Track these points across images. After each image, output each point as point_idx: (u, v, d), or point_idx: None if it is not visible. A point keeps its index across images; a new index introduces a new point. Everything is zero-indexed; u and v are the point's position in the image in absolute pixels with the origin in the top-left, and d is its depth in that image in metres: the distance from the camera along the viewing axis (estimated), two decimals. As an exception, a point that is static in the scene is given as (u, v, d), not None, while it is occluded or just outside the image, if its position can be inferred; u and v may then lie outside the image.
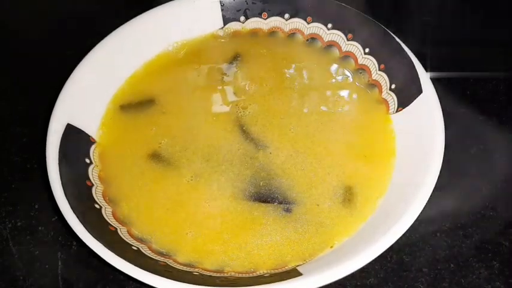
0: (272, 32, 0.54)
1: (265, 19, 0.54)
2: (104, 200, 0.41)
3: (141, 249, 0.38)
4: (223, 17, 0.54)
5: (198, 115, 0.48)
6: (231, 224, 0.41)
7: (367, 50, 0.50)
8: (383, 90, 0.48)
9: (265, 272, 0.38)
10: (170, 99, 0.49)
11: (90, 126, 0.46)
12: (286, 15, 0.53)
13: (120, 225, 0.40)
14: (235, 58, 0.52)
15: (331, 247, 0.40)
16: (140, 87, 0.50)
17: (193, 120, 0.47)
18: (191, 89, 0.50)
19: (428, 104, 0.43)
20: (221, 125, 0.47)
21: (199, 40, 0.53)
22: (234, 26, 0.54)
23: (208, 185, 0.43)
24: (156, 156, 0.45)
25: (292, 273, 0.36)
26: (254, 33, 0.54)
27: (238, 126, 0.47)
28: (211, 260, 0.39)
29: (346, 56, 0.51)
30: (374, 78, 0.49)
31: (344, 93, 0.49)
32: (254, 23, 0.54)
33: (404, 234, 0.35)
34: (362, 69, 0.50)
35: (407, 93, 0.45)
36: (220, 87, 0.50)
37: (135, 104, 0.48)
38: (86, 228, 0.36)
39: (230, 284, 0.36)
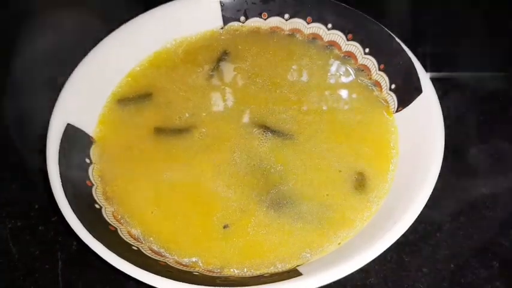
0: (272, 32, 0.54)
1: (265, 19, 0.54)
2: (104, 199, 0.41)
3: (141, 249, 0.38)
4: (223, 16, 0.54)
5: (197, 110, 0.48)
6: (233, 223, 0.40)
7: (367, 50, 0.50)
8: (383, 90, 0.48)
9: (265, 272, 0.38)
10: (168, 94, 0.49)
11: (90, 126, 0.46)
12: (286, 15, 0.53)
13: (120, 225, 0.40)
14: (235, 55, 0.52)
15: (339, 244, 0.39)
16: (138, 83, 0.50)
17: (191, 114, 0.47)
18: (189, 84, 0.50)
19: (428, 104, 0.43)
20: (222, 120, 0.47)
21: (198, 39, 0.54)
22: (234, 25, 0.54)
23: (208, 180, 0.43)
24: (154, 152, 0.45)
25: (292, 273, 0.36)
26: (254, 32, 0.54)
27: (239, 122, 0.47)
28: (212, 258, 0.39)
29: (346, 56, 0.51)
30: (374, 78, 0.49)
31: (345, 91, 0.49)
32: (254, 23, 0.54)
33: (404, 234, 0.35)
34: (362, 69, 0.50)
35: (407, 93, 0.45)
36: (220, 83, 0.50)
37: (132, 98, 0.48)
38: (86, 228, 0.36)
39: (230, 284, 0.36)
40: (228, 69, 0.51)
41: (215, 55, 0.52)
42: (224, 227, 0.40)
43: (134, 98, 0.49)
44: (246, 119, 0.47)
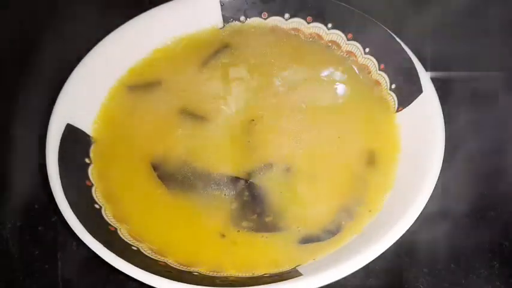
0: (272, 31, 0.54)
1: (265, 19, 0.54)
2: (103, 199, 0.41)
3: (140, 249, 0.38)
4: (223, 16, 0.54)
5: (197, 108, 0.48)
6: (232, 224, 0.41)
7: (367, 49, 0.50)
8: (383, 89, 0.48)
9: (265, 272, 0.38)
10: (169, 92, 0.49)
11: (90, 126, 0.46)
12: (286, 15, 0.53)
13: (119, 224, 0.40)
14: (235, 49, 0.52)
15: (370, 211, 0.40)
16: (139, 81, 0.50)
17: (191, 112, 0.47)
18: (190, 81, 0.50)
19: (428, 103, 0.43)
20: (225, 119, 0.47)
21: (199, 37, 0.53)
22: (234, 25, 0.54)
23: (209, 181, 0.43)
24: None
25: (292, 273, 0.36)
26: (254, 31, 0.54)
27: (243, 120, 0.47)
28: (209, 260, 0.39)
29: (347, 56, 0.51)
30: (374, 78, 0.49)
31: (345, 91, 0.49)
32: (254, 22, 0.54)
33: (404, 234, 0.35)
34: (362, 69, 0.50)
35: (407, 93, 0.45)
36: (219, 77, 0.50)
37: (134, 96, 0.48)
38: (86, 228, 0.36)
39: (230, 284, 0.36)
40: (228, 62, 0.51)
41: (213, 49, 0.52)
42: (222, 236, 0.39)
43: (135, 96, 0.48)
44: (247, 116, 0.47)
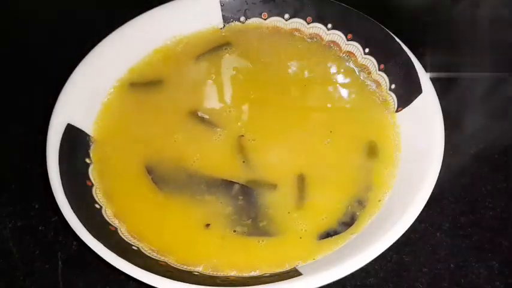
0: (273, 31, 0.54)
1: (265, 19, 0.54)
2: (104, 199, 0.41)
3: (141, 249, 0.38)
4: (224, 16, 0.54)
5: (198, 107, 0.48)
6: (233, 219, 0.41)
7: (367, 50, 0.50)
8: (383, 90, 0.48)
9: (265, 272, 0.38)
10: (169, 91, 0.49)
11: (90, 126, 0.46)
12: (286, 16, 0.53)
13: (120, 224, 0.40)
14: (236, 47, 0.53)
15: (379, 201, 0.41)
16: (140, 80, 0.50)
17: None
18: (190, 80, 0.50)
19: (428, 104, 0.43)
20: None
21: (198, 37, 0.53)
22: (234, 25, 0.54)
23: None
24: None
25: (292, 273, 0.36)
26: (254, 32, 0.54)
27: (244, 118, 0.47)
28: (209, 261, 0.38)
29: (346, 56, 0.51)
30: (374, 78, 0.49)
31: (345, 91, 0.49)
32: (254, 22, 0.54)
33: (404, 234, 0.35)
34: (362, 69, 0.50)
35: (407, 93, 0.45)
36: (219, 74, 0.51)
37: (135, 95, 0.49)
38: (86, 228, 0.36)
39: (230, 284, 0.36)
40: (230, 59, 0.52)
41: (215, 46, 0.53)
42: (206, 226, 0.40)
43: (136, 96, 0.48)
44: (248, 121, 0.47)
